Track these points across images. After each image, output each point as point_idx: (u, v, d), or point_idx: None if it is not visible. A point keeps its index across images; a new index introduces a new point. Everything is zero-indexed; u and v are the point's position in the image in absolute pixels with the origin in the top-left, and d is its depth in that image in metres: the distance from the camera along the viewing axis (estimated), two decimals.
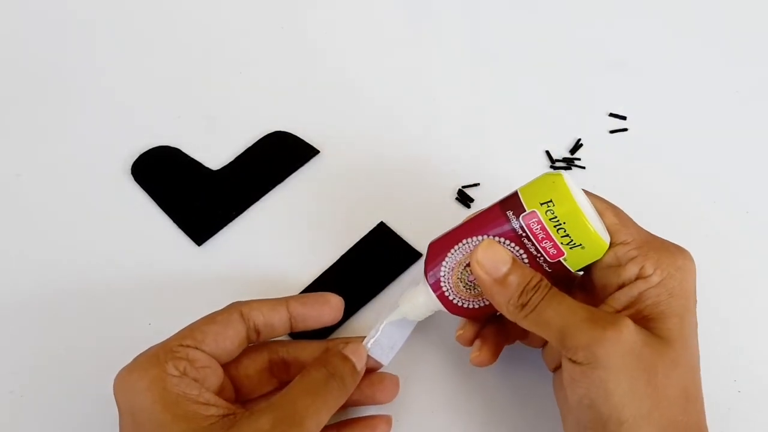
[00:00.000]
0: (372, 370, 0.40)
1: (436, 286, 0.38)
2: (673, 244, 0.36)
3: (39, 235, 0.48)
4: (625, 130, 0.53)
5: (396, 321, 0.40)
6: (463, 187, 0.50)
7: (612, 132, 0.53)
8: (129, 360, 0.35)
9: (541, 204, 0.35)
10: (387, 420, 0.40)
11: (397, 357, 0.40)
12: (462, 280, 0.37)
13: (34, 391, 0.42)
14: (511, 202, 0.36)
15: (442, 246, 0.38)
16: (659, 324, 0.34)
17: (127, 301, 0.45)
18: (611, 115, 0.54)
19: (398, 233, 0.47)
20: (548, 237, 0.35)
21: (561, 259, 0.35)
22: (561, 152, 0.52)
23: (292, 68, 0.57)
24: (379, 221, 0.48)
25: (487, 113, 0.54)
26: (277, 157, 0.51)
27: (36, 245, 0.47)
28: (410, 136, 0.53)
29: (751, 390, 0.42)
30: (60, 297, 0.45)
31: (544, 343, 0.40)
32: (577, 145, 0.52)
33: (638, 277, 0.34)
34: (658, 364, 0.33)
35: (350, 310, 0.44)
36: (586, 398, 0.33)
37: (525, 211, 0.35)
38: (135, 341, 0.37)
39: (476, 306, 0.38)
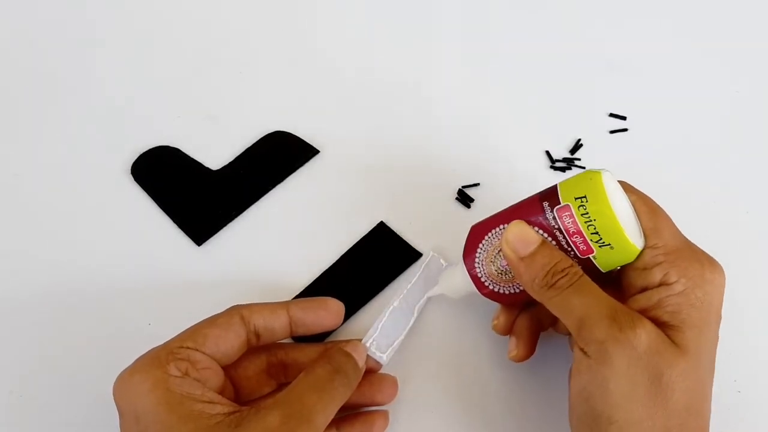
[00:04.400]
0: (371, 370, 0.40)
1: (471, 268, 0.39)
2: (707, 255, 0.36)
3: (38, 235, 0.48)
4: (625, 130, 0.53)
5: (393, 319, 0.41)
6: (463, 187, 0.50)
7: (612, 132, 0.53)
8: (129, 360, 0.35)
9: (576, 198, 0.35)
10: (384, 415, 0.40)
11: (394, 357, 0.41)
12: (495, 264, 0.38)
13: (34, 391, 0.42)
14: (549, 194, 0.36)
15: (480, 230, 0.39)
16: (677, 333, 0.33)
17: (126, 301, 0.45)
18: (611, 115, 0.54)
19: (398, 233, 0.47)
20: (579, 232, 0.35)
21: (591, 256, 0.35)
22: (561, 152, 0.52)
23: (292, 68, 0.57)
24: (379, 221, 0.48)
25: (488, 113, 0.54)
26: (277, 157, 0.51)
27: (35, 245, 0.47)
28: (410, 135, 0.53)
29: (751, 390, 0.42)
30: (60, 297, 0.45)
31: None
32: (577, 145, 0.52)
33: (661, 283, 0.34)
34: (665, 374, 0.32)
35: (350, 310, 0.43)
36: (585, 391, 0.33)
37: (560, 203, 0.36)
38: (135, 341, 0.37)
39: (507, 292, 0.39)
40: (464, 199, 0.49)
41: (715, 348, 0.35)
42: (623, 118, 0.54)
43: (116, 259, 0.47)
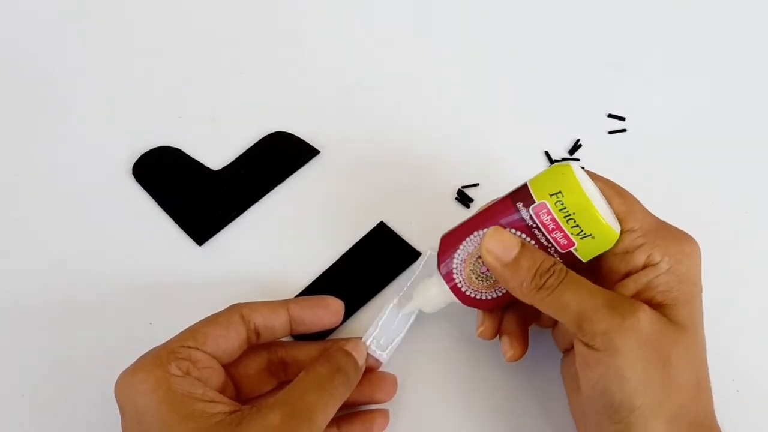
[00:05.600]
0: (371, 369, 0.40)
1: (449, 279, 0.38)
2: (680, 230, 0.36)
3: (39, 235, 0.48)
4: (623, 130, 0.53)
5: (393, 317, 0.41)
6: (463, 187, 0.50)
7: (611, 133, 0.53)
8: (130, 360, 0.35)
9: (551, 195, 0.35)
10: (384, 414, 0.40)
11: (394, 355, 0.41)
12: (474, 272, 0.38)
13: (35, 391, 0.42)
14: (521, 194, 0.36)
15: (453, 238, 0.38)
16: (672, 311, 0.34)
17: (127, 301, 0.45)
18: (610, 115, 0.54)
19: (398, 233, 0.48)
20: (558, 228, 0.35)
21: (572, 249, 0.36)
22: (560, 153, 0.52)
23: (293, 68, 0.57)
24: (379, 221, 0.48)
25: (487, 113, 0.54)
26: (278, 157, 0.51)
27: (36, 245, 0.47)
28: (410, 136, 0.53)
29: (750, 390, 0.42)
30: (61, 297, 0.45)
31: (555, 323, 0.40)
32: (576, 146, 0.52)
33: (646, 265, 0.35)
34: (672, 353, 0.33)
35: (350, 310, 0.44)
36: (600, 384, 0.33)
37: (535, 202, 0.35)
38: (136, 341, 0.37)
39: (489, 297, 0.38)
40: (464, 199, 0.49)
41: (703, 320, 0.36)
42: (622, 118, 0.54)
43: (117, 259, 0.47)
